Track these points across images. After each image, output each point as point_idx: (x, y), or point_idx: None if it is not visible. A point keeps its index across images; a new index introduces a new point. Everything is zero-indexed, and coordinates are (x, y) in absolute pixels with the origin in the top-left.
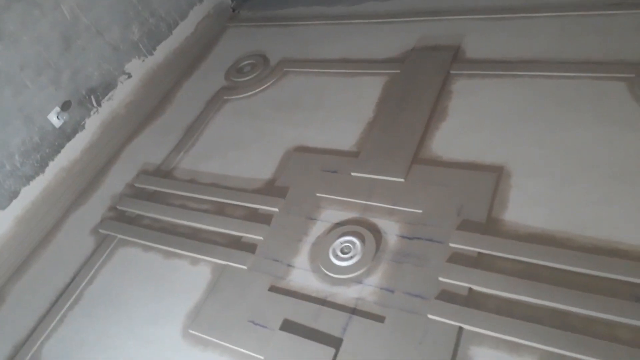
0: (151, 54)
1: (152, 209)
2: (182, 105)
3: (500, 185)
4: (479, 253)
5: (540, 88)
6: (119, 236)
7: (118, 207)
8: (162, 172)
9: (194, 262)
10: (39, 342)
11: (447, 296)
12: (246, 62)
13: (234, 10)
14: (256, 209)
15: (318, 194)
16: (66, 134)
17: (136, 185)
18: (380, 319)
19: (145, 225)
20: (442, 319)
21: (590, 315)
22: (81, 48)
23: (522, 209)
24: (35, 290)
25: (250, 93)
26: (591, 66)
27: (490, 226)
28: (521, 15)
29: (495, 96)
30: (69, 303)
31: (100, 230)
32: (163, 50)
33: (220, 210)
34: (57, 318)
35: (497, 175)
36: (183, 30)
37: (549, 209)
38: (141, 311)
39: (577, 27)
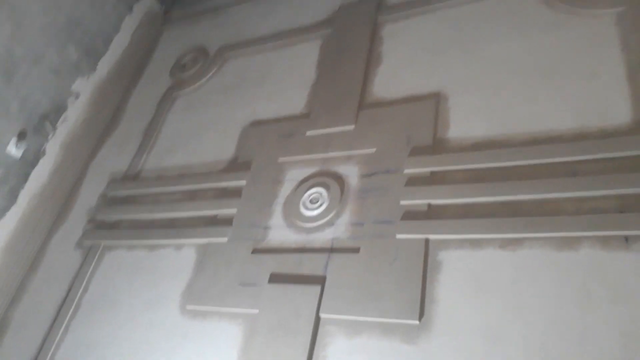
0: (94, 70)
1: (128, 211)
2: (135, 112)
3: (439, 109)
4: (432, 172)
5: (460, 15)
6: (103, 243)
7: (96, 217)
8: (131, 177)
9: (178, 247)
10: (49, 354)
11: (410, 215)
12: (187, 58)
13: (165, 14)
14: (225, 187)
15: (280, 159)
16: (29, 162)
17: (109, 194)
18: (355, 250)
19: (125, 227)
20: (409, 235)
21: (537, 198)
22: (23, 78)
23: (463, 125)
24: (36, 310)
25: (197, 85)
26: None
27: (437, 146)
28: None
29: (420, 32)
30: (69, 313)
31: (84, 242)
32: (105, 65)
33: (192, 197)
34: (62, 329)
35: (435, 101)
36: (119, 43)
37: (486, 118)
38: (138, 302)
39: None
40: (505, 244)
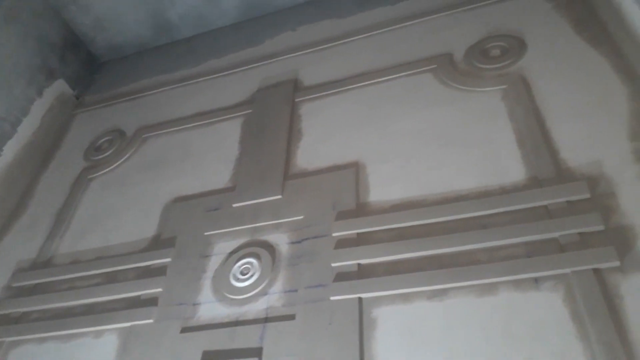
0: None
1: (37, 302)
2: (45, 196)
3: (359, 176)
4: (358, 234)
5: (370, 94)
6: (7, 340)
7: None
8: (40, 264)
9: (97, 335)
10: None
11: (342, 277)
12: (103, 140)
13: (77, 98)
14: (148, 266)
15: (206, 233)
16: None
17: (13, 285)
18: (291, 317)
19: (34, 319)
20: (342, 296)
21: (455, 251)
22: None
23: (382, 189)
24: None
25: (114, 166)
26: (403, 67)
27: (361, 209)
28: (339, 42)
29: (337, 109)
30: None
31: None
32: (11, 149)
33: (112, 279)
34: None
35: (355, 169)
36: (28, 126)
37: (402, 182)
38: None
39: (385, 41)
40: (432, 295)
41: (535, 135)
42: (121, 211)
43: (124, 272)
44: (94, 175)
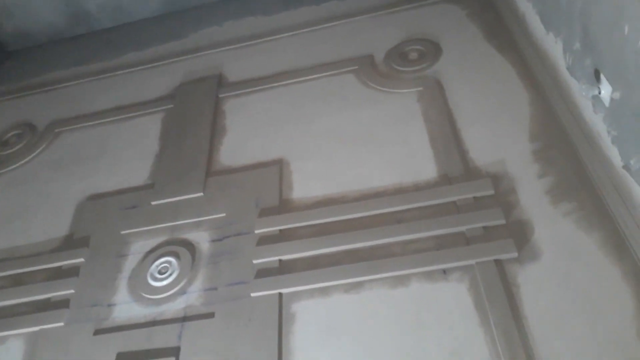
0: None
1: None
2: None
3: (283, 173)
4: (280, 230)
5: (294, 92)
6: None
7: None
8: None
9: (1, 341)
10: None
11: (263, 273)
12: (11, 134)
13: None
14: (59, 267)
15: (123, 232)
16: None
17: None
18: (210, 315)
19: None
20: (262, 292)
21: (372, 245)
22: None
23: (305, 186)
24: None
25: (22, 162)
26: (326, 67)
27: (284, 206)
28: (264, 39)
29: (261, 106)
30: None
31: None
32: None
33: (18, 282)
34: None
35: (278, 166)
36: None
37: (323, 180)
38: None
39: (309, 40)
40: (349, 288)
41: (446, 135)
42: (30, 210)
43: (32, 274)
44: (0, 171)
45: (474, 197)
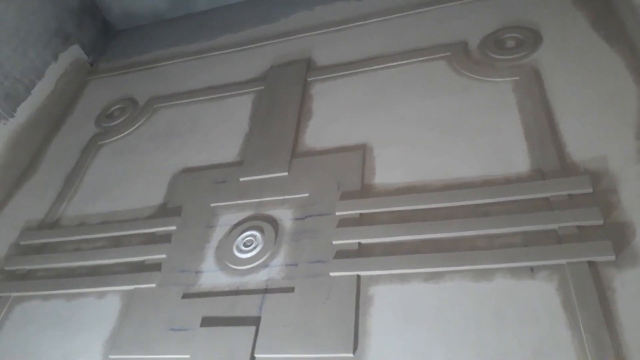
0: (12, 116)
1: (43, 261)
2: (55, 159)
3: (366, 158)
4: (361, 214)
5: (382, 78)
6: (13, 294)
7: (5, 268)
8: (48, 225)
9: (100, 295)
10: None
11: (342, 254)
12: (115, 108)
13: (91, 65)
14: (153, 233)
15: (212, 204)
16: None
17: (21, 243)
18: (290, 290)
19: (40, 277)
20: (341, 273)
21: (454, 236)
22: None
23: (387, 172)
24: None
25: (124, 134)
26: (417, 53)
27: (365, 191)
28: (354, 24)
29: (348, 91)
30: None
31: None
32: (24, 111)
33: (117, 244)
34: None
35: (362, 151)
36: (42, 89)
37: (407, 167)
38: (54, 355)
39: (400, 26)
40: (428, 277)
41: (542, 128)
42: (130, 178)
43: (129, 237)
44: (105, 141)
45: (569, 195)
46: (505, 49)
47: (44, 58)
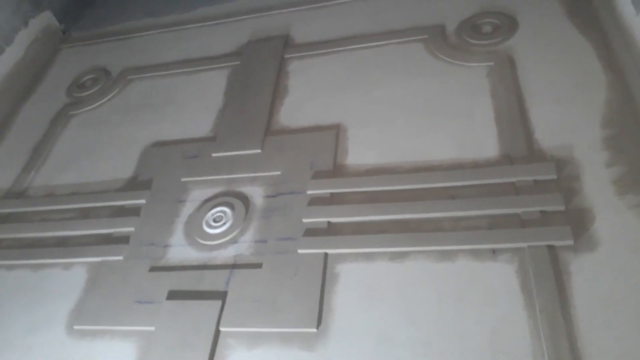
0: None
1: (9, 230)
2: (23, 128)
3: (339, 138)
4: (332, 193)
5: (359, 58)
6: None
7: None
8: (14, 194)
9: (67, 266)
10: None
11: (311, 232)
12: (87, 78)
13: (64, 33)
14: (122, 205)
15: (183, 179)
16: None
17: None
18: (258, 265)
19: (5, 247)
20: (309, 250)
21: (421, 217)
22: None
23: (360, 153)
24: None
25: (96, 104)
26: (395, 34)
27: (337, 171)
28: (334, 2)
29: (324, 70)
30: None
31: None
32: None
33: (85, 215)
34: None
35: (336, 131)
36: (11, 56)
37: (379, 148)
38: (17, 325)
39: (379, 6)
40: (394, 256)
41: (513, 114)
42: (100, 150)
43: (98, 209)
44: (76, 112)
45: (535, 180)
46: (482, 34)
47: (13, 23)
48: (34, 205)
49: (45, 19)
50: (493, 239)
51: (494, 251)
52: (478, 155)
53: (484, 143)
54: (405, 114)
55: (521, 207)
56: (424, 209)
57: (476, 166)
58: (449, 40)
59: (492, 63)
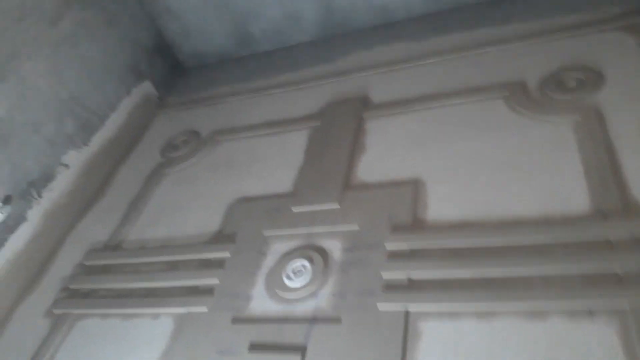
0: (86, 144)
1: (104, 281)
2: (121, 186)
3: (419, 193)
4: (411, 249)
5: (437, 116)
6: (75, 312)
7: (70, 286)
8: (111, 247)
9: (154, 317)
10: None
11: (391, 288)
12: (179, 140)
13: (160, 99)
14: (208, 258)
15: (265, 232)
16: (9, 227)
17: (86, 263)
18: (337, 320)
19: (100, 296)
20: (390, 306)
21: (509, 275)
22: (19, 144)
23: (440, 208)
24: None
25: (187, 163)
26: (475, 92)
27: (417, 225)
28: (412, 64)
29: (402, 128)
30: None
31: (54, 311)
32: (98, 141)
33: (173, 267)
34: None
35: (414, 185)
36: (115, 121)
37: (461, 203)
38: None
39: (457, 65)
40: (480, 315)
41: (604, 168)
42: (189, 206)
43: (185, 262)
44: (168, 170)
45: (633, 237)
46: (566, 89)
47: (119, 92)
48: (127, 258)
49: (146, 87)
50: (589, 298)
51: (590, 312)
52: (567, 210)
53: (574, 197)
54: (487, 169)
55: (619, 265)
56: (512, 265)
57: (566, 221)
58: (531, 96)
59: (578, 117)
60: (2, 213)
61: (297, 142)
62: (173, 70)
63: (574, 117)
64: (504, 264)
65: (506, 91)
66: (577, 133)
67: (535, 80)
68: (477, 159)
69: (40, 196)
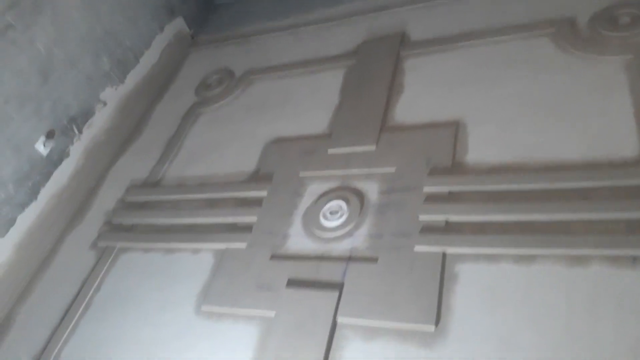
0: (122, 82)
1: (145, 216)
2: (158, 124)
3: (458, 135)
4: (450, 192)
5: (479, 54)
6: (118, 245)
7: (113, 221)
8: (150, 184)
9: (195, 251)
10: (56, 350)
11: (428, 230)
12: (213, 78)
13: (192, 37)
14: (246, 196)
15: (301, 174)
16: (53, 162)
17: (127, 199)
18: (373, 260)
19: (141, 231)
20: (426, 248)
21: (550, 219)
22: (58, 80)
23: (480, 150)
24: (43, 307)
25: (221, 103)
26: (519, 29)
27: (456, 168)
28: None
29: (442, 67)
30: (79, 312)
31: (99, 244)
32: (133, 78)
33: (212, 205)
34: (70, 327)
35: (454, 127)
36: (149, 58)
37: (503, 146)
38: (150, 302)
39: (500, 1)
40: (519, 259)
41: None
42: (225, 145)
43: (223, 200)
44: (203, 110)
45: None
46: (619, 25)
47: (152, 28)
48: (167, 194)
49: (178, 24)
50: (633, 245)
51: (634, 258)
52: (614, 154)
53: (622, 142)
54: (531, 111)
55: None
56: (554, 210)
57: (612, 166)
58: (581, 34)
59: (630, 56)
60: (46, 147)
61: (332, 81)
62: (205, 6)
63: (626, 56)
64: (545, 208)
65: (553, 27)
66: (629, 73)
67: (586, 17)
68: (520, 100)
69: (80, 132)
